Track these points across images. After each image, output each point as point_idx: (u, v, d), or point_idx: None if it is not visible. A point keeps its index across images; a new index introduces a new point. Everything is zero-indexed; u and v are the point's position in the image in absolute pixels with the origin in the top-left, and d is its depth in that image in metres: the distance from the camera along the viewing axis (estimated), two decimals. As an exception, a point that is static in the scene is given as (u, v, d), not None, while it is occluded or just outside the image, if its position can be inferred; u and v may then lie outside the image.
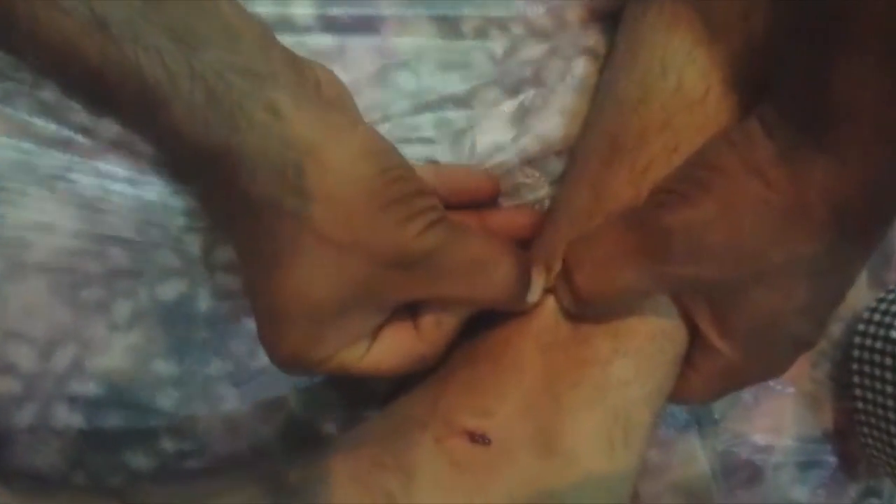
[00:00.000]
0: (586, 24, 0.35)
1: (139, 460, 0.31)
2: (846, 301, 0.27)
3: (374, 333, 0.28)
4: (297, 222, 0.24)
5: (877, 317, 0.38)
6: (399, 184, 0.25)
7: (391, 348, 0.28)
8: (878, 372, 0.37)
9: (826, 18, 0.21)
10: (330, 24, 0.33)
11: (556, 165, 0.35)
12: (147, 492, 0.28)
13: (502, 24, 0.34)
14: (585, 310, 0.28)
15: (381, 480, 0.28)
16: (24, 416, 0.30)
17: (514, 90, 0.34)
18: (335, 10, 0.33)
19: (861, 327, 0.38)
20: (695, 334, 0.29)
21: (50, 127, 0.29)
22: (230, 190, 0.24)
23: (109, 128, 0.30)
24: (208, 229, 0.32)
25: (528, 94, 0.35)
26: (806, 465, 0.39)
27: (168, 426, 0.32)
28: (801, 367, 0.39)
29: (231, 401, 0.32)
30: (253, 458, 0.32)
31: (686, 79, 0.29)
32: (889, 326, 0.37)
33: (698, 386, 0.30)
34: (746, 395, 0.38)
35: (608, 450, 0.28)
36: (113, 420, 0.31)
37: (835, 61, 0.21)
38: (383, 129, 0.33)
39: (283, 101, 0.23)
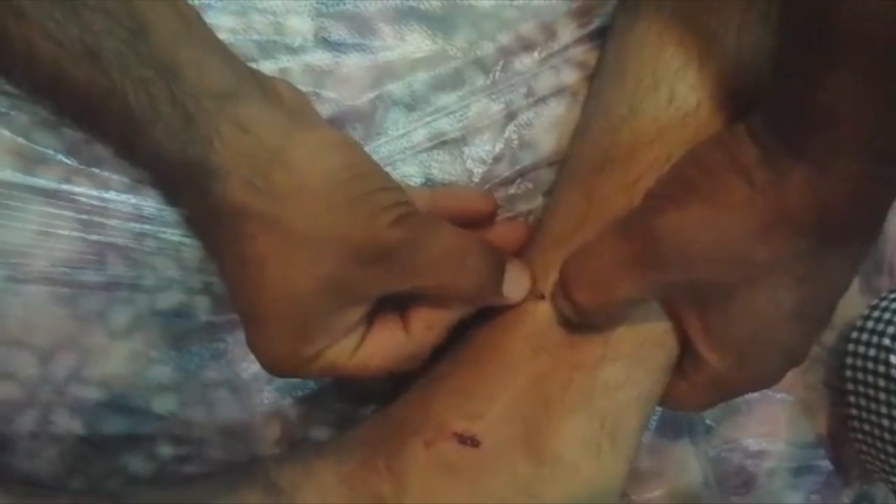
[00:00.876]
0: (577, 37, 0.35)
1: (137, 465, 0.32)
2: (838, 308, 0.27)
3: (362, 331, 0.28)
4: (267, 224, 0.25)
5: (870, 324, 0.38)
6: (366, 178, 0.26)
7: (380, 347, 0.29)
8: (871, 378, 0.37)
9: (807, 31, 0.22)
10: (325, 39, 0.33)
11: (549, 176, 0.35)
12: (142, 495, 0.29)
13: (494, 37, 0.35)
14: (586, 321, 0.29)
15: (372, 483, 0.28)
16: (25, 423, 0.30)
17: (505, 102, 0.35)
18: (330, 25, 0.33)
19: (854, 334, 0.39)
20: (686, 344, 0.29)
21: (49, 139, 0.30)
22: (205, 201, 0.25)
23: (106, 140, 0.31)
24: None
25: (520, 106, 0.35)
26: (799, 471, 0.40)
27: (166, 432, 0.32)
28: (795, 373, 0.39)
29: (228, 407, 0.33)
30: (249, 463, 0.33)
31: (678, 91, 0.29)
32: (882, 333, 0.37)
33: (688, 395, 0.30)
34: (739, 400, 0.39)
35: (596, 453, 0.28)
36: (111, 426, 0.31)
37: (816, 72, 0.22)
38: (377, 142, 0.33)
39: (249, 116, 0.25)
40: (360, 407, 0.34)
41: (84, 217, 0.30)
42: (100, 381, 0.31)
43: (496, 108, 0.35)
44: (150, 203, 0.31)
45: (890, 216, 0.25)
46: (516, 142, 0.35)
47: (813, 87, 0.22)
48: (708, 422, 0.38)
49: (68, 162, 0.30)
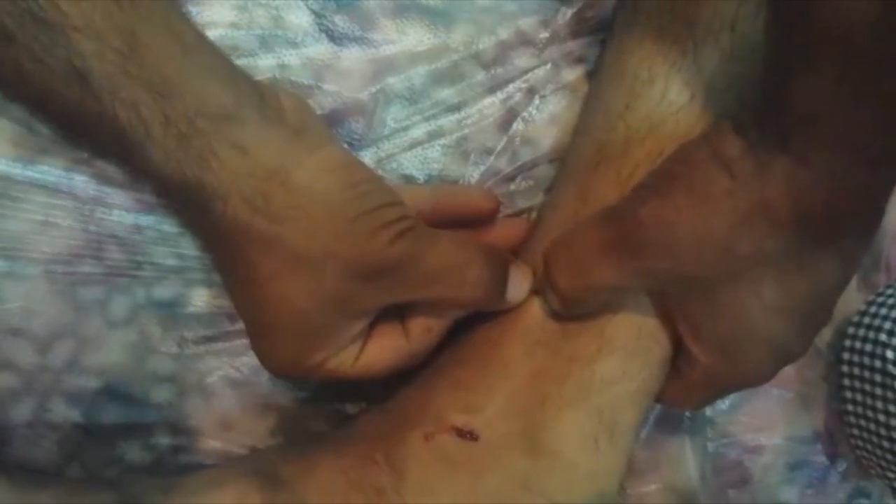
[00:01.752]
0: (576, 33, 0.35)
1: (134, 454, 0.32)
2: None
3: (364, 338, 0.29)
4: (268, 244, 0.25)
5: (866, 319, 0.38)
6: (366, 197, 0.26)
7: (382, 351, 0.29)
8: (867, 374, 0.37)
9: (788, 29, 0.22)
10: (325, 33, 0.33)
11: (550, 173, 0.35)
12: (142, 484, 0.29)
13: (493, 32, 0.35)
14: (570, 309, 0.29)
15: (372, 476, 0.28)
16: (23, 411, 0.31)
17: (504, 98, 0.35)
18: (331, 19, 0.33)
19: (851, 330, 0.39)
20: (680, 340, 0.29)
21: (49, 132, 0.30)
22: (204, 218, 0.25)
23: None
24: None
25: (520, 102, 0.35)
26: (795, 466, 0.40)
27: (163, 421, 0.32)
28: (792, 369, 0.40)
29: (225, 397, 0.33)
30: (245, 453, 0.33)
31: (672, 86, 0.29)
32: (878, 329, 0.37)
33: (684, 393, 0.31)
34: (737, 395, 0.39)
35: (593, 447, 0.28)
36: (109, 415, 0.31)
37: (795, 69, 0.22)
38: (377, 136, 0.34)
39: (248, 137, 0.25)
40: (357, 399, 0.34)
41: (84, 207, 0.30)
42: (98, 371, 0.31)
43: (495, 103, 0.35)
44: (149, 194, 0.31)
45: (887, 212, 0.25)
46: (516, 138, 0.35)
47: (792, 83, 0.22)
48: (708, 414, 0.38)
49: (68, 153, 0.30)
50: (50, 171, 0.30)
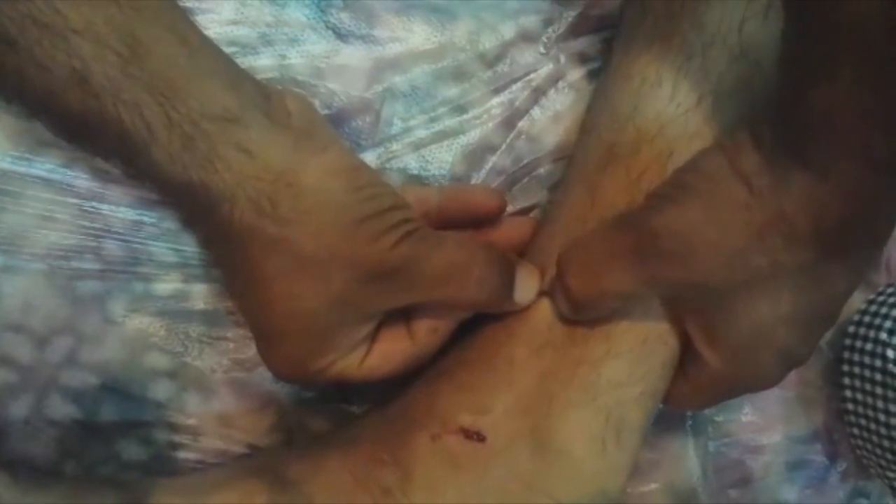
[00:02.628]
0: (580, 32, 0.35)
1: (132, 451, 0.32)
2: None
3: (369, 341, 0.29)
4: (275, 246, 0.25)
5: (867, 318, 0.38)
6: (372, 200, 0.26)
7: (387, 353, 0.29)
8: (867, 373, 0.37)
9: (807, 34, 0.22)
10: (327, 30, 0.33)
11: (552, 171, 0.35)
12: (147, 484, 0.29)
13: (496, 29, 0.35)
14: (580, 313, 0.29)
15: (379, 476, 0.28)
16: (20, 407, 0.30)
17: (508, 96, 0.35)
18: (333, 15, 0.33)
19: (851, 329, 0.39)
20: (687, 342, 0.29)
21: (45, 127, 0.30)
22: (209, 221, 0.25)
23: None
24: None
25: (522, 100, 0.35)
26: (795, 465, 0.40)
27: (161, 418, 0.32)
28: (792, 368, 0.39)
29: (224, 394, 0.32)
30: (244, 451, 0.33)
31: (680, 87, 0.29)
32: (879, 328, 0.37)
33: (690, 394, 0.31)
34: (737, 395, 0.39)
35: (601, 449, 0.28)
36: (107, 411, 0.31)
37: (815, 76, 0.22)
38: (380, 135, 0.33)
39: (253, 139, 0.25)
40: (358, 397, 0.34)
41: (83, 203, 0.30)
42: (96, 367, 0.31)
43: (500, 102, 0.35)
44: (148, 191, 0.31)
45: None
46: (521, 136, 0.35)
47: (812, 92, 0.22)
48: (709, 413, 0.38)
49: (68, 148, 0.30)
50: (49, 165, 0.30)
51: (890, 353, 0.36)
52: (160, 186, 0.26)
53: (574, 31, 0.36)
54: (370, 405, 0.34)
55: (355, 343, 0.28)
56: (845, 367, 0.38)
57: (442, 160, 0.34)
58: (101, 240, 0.31)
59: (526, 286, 0.30)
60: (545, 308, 0.30)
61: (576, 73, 0.36)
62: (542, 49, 0.35)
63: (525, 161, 0.35)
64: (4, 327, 0.30)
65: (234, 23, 0.32)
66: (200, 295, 0.32)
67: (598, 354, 0.29)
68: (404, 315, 0.29)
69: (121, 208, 0.31)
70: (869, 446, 0.38)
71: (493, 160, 0.35)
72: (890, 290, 0.39)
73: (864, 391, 0.37)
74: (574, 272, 0.28)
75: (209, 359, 0.32)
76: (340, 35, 0.33)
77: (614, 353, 0.29)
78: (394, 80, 0.34)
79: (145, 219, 0.31)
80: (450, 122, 0.34)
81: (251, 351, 0.32)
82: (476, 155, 0.35)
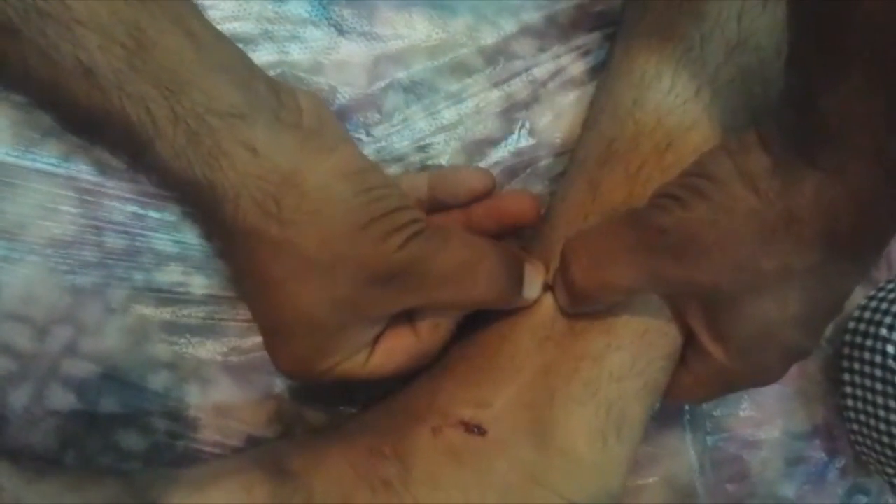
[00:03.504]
0: (581, 27, 0.35)
1: (131, 441, 0.32)
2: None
3: (374, 341, 0.29)
4: (281, 248, 0.25)
5: (867, 314, 0.38)
6: (378, 202, 0.26)
7: (392, 353, 0.29)
8: (867, 369, 0.37)
9: (818, 34, 0.21)
10: (327, 25, 0.33)
11: (552, 165, 0.35)
12: (148, 475, 0.29)
13: (495, 22, 0.35)
14: (580, 307, 0.29)
15: (380, 469, 0.28)
16: (20, 396, 0.30)
17: (506, 87, 0.35)
18: (333, 11, 0.33)
19: (851, 325, 0.39)
20: (689, 336, 0.29)
21: (49, 118, 0.30)
22: (215, 218, 0.25)
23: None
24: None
25: (522, 94, 0.35)
26: (793, 461, 0.40)
27: (160, 408, 0.32)
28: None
29: (223, 385, 0.33)
30: (243, 442, 0.33)
31: (679, 79, 0.29)
32: (879, 324, 0.37)
33: (691, 387, 0.31)
34: (737, 389, 0.39)
35: (601, 443, 0.28)
36: (106, 401, 0.31)
37: (826, 77, 0.22)
38: (380, 130, 0.33)
39: (259, 138, 0.25)
40: (357, 389, 0.34)
41: (83, 194, 0.30)
42: (96, 357, 0.31)
43: (500, 96, 0.35)
44: (149, 183, 0.31)
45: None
46: (519, 130, 0.35)
47: (823, 93, 0.22)
48: (707, 408, 0.38)
49: (68, 139, 0.30)
50: (49, 157, 0.30)
51: (890, 348, 0.36)
52: (166, 182, 0.26)
53: (575, 26, 0.36)
54: (371, 400, 0.34)
55: (362, 345, 0.28)
56: (845, 363, 0.38)
57: (443, 154, 0.34)
58: (101, 230, 0.31)
59: (534, 282, 0.30)
60: (547, 303, 0.30)
61: (577, 69, 0.36)
62: (543, 44, 0.35)
63: (525, 155, 0.35)
64: (5, 317, 0.30)
65: (236, 18, 0.32)
66: (200, 285, 0.32)
67: (599, 348, 0.29)
68: (408, 312, 0.29)
69: (121, 199, 0.31)
70: (868, 442, 0.38)
71: (493, 155, 0.35)
72: (890, 285, 0.39)
73: (863, 387, 0.37)
74: (578, 264, 0.28)
75: (209, 349, 0.32)
76: (342, 31, 0.33)
77: (615, 347, 0.29)
78: (395, 76, 0.34)
79: (145, 210, 0.31)
80: (451, 117, 0.34)
81: (251, 342, 0.32)
82: (476, 148, 0.35)
